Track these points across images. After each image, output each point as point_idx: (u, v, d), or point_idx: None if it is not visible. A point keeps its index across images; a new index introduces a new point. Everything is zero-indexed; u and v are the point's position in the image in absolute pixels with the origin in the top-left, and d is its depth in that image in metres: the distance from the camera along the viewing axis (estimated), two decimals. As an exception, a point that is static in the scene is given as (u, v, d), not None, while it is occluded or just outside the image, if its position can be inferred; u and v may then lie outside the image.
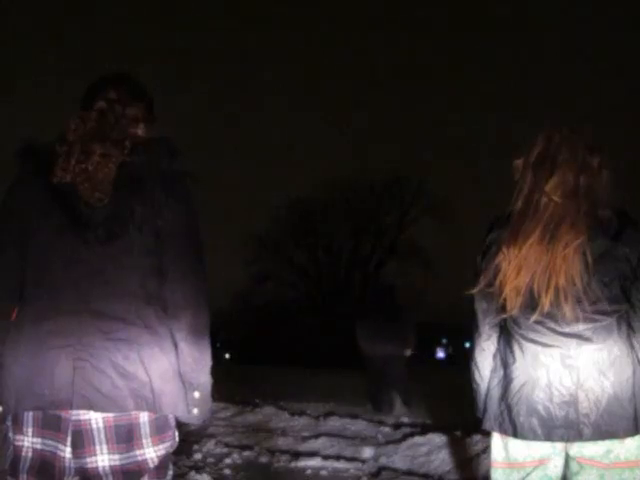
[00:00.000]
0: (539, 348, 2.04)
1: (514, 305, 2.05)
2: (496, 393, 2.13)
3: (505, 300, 2.06)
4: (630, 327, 2.05)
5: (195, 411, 1.83)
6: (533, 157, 2.12)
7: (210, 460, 5.59)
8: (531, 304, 2.04)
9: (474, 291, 2.13)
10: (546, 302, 2.02)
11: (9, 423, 1.81)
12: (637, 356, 2.04)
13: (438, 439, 5.84)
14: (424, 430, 6.56)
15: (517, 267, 2.04)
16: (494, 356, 2.17)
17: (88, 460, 1.74)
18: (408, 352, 8.67)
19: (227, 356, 35.59)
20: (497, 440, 2.16)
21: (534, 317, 2.03)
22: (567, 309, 2.00)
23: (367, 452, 5.90)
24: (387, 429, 7.19)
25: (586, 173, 2.08)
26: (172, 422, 1.84)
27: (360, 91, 63.37)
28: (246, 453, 5.87)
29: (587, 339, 2.02)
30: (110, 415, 1.74)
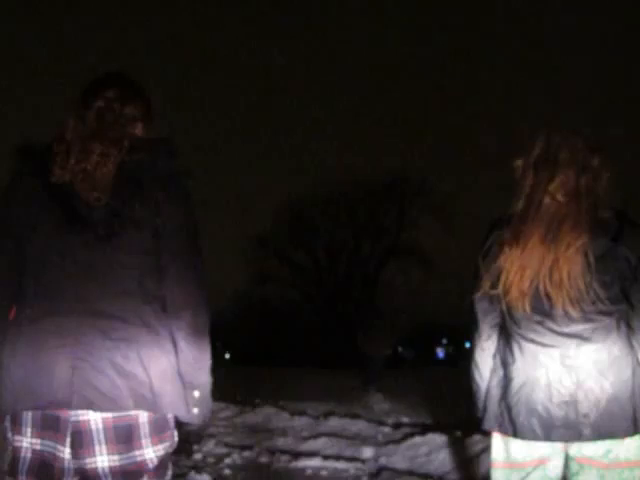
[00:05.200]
0: (539, 348, 2.04)
1: (519, 306, 2.04)
2: (496, 393, 2.13)
3: (510, 301, 2.06)
4: (629, 327, 2.05)
5: (195, 411, 1.83)
6: (534, 157, 2.12)
7: (210, 460, 5.59)
8: (534, 305, 2.04)
9: (479, 294, 2.12)
10: (549, 302, 2.02)
11: (8, 423, 1.80)
12: (637, 356, 2.04)
13: (438, 439, 5.85)
14: (424, 430, 6.56)
15: (521, 268, 2.04)
16: (493, 356, 2.17)
17: (87, 461, 1.74)
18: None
19: (227, 356, 35.56)
20: (497, 440, 2.16)
21: (536, 317, 2.03)
22: (569, 309, 2.00)
23: (367, 452, 5.90)
24: (387, 429, 7.20)
25: (587, 173, 2.08)
26: (171, 422, 1.84)
27: (360, 91, 63.39)
28: (246, 453, 5.87)
29: (586, 339, 2.01)
30: (109, 416, 1.74)
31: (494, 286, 2.09)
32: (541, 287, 2.03)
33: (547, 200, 2.07)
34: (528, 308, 2.04)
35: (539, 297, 2.03)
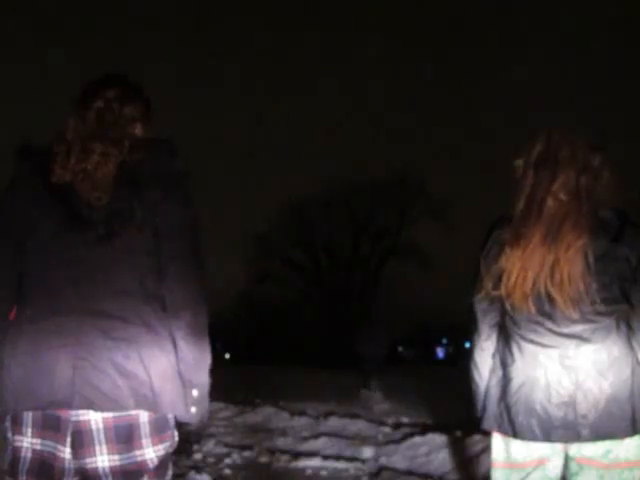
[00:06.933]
0: (538, 348, 2.04)
1: (523, 307, 2.04)
2: (495, 393, 2.13)
3: (513, 302, 2.05)
4: (629, 328, 2.04)
5: (193, 410, 1.83)
6: (534, 157, 2.12)
7: (210, 460, 5.59)
8: (536, 305, 2.03)
9: (481, 295, 2.12)
10: (550, 303, 2.01)
11: (8, 423, 1.80)
12: (636, 357, 2.04)
13: (438, 439, 5.85)
14: (424, 430, 6.56)
15: (523, 269, 2.03)
16: (493, 356, 2.16)
17: (88, 460, 1.74)
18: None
19: (227, 356, 35.56)
20: (498, 440, 2.16)
21: (536, 318, 2.03)
22: (569, 310, 2.00)
23: (367, 452, 5.90)
24: (387, 429, 7.20)
25: (587, 173, 2.08)
26: (172, 422, 1.84)
27: (360, 90, 63.38)
28: (246, 453, 5.87)
29: (586, 340, 2.01)
30: (110, 415, 1.74)
31: (495, 287, 2.08)
32: (542, 288, 2.02)
33: (550, 200, 2.06)
34: (533, 309, 2.03)
35: (540, 298, 2.03)
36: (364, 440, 6.57)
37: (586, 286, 1.99)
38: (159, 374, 1.77)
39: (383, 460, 5.61)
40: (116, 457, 1.75)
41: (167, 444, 1.82)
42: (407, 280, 33.59)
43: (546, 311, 2.03)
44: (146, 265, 1.79)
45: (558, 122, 2.20)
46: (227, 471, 5.28)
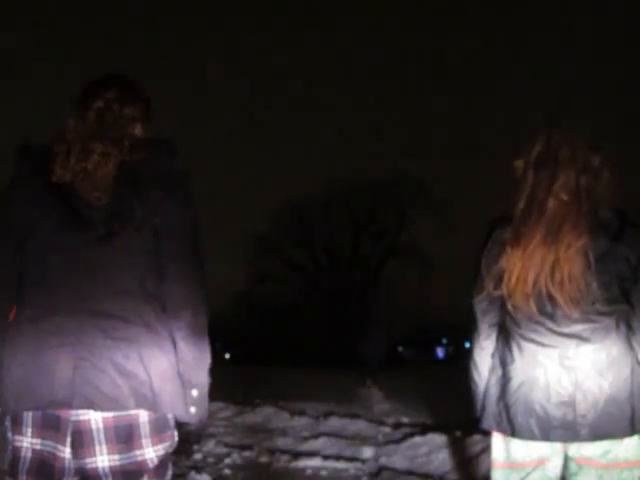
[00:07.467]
0: (538, 348, 2.04)
1: (524, 307, 2.04)
2: (494, 392, 2.13)
3: (515, 302, 2.05)
4: (629, 328, 2.05)
5: (192, 410, 1.83)
6: (534, 157, 2.12)
7: (210, 460, 5.59)
8: (537, 305, 2.03)
9: (482, 295, 2.11)
10: (551, 303, 2.01)
11: (8, 423, 1.80)
12: (636, 357, 2.04)
13: (438, 439, 5.84)
14: (424, 430, 6.56)
15: (524, 269, 2.03)
16: (492, 355, 2.16)
17: (88, 460, 1.74)
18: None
19: (227, 356, 35.55)
20: (497, 440, 2.16)
21: (537, 318, 2.03)
22: (569, 310, 2.00)
23: (367, 452, 5.90)
24: (387, 429, 7.19)
25: (587, 173, 2.08)
26: (172, 422, 1.84)
27: (360, 91, 63.36)
28: (246, 453, 5.87)
29: (586, 339, 2.01)
30: (110, 415, 1.74)
31: (496, 287, 2.08)
32: (543, 288, 2.02)
33: (551, 200, 2.06)
34: (534, 309, 2.03)
35: (541, 297, 2.03)
36: (364, 440, 6.57)
37: (586, 285, 1.99)
38: (159, 374, 1.77)
39: (383, 460, 5.61)
40: (116, 457, 1.75)
41: (167, 444, 1.83)
42: (407, 280, 33.60)
43: (547, 311, 2.03)
44: (146, 265, 1.79)
45: (558, 122, 2.20)
46: (227, 471, 5.28)
